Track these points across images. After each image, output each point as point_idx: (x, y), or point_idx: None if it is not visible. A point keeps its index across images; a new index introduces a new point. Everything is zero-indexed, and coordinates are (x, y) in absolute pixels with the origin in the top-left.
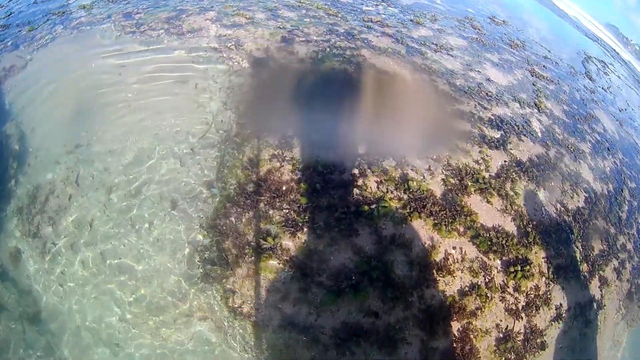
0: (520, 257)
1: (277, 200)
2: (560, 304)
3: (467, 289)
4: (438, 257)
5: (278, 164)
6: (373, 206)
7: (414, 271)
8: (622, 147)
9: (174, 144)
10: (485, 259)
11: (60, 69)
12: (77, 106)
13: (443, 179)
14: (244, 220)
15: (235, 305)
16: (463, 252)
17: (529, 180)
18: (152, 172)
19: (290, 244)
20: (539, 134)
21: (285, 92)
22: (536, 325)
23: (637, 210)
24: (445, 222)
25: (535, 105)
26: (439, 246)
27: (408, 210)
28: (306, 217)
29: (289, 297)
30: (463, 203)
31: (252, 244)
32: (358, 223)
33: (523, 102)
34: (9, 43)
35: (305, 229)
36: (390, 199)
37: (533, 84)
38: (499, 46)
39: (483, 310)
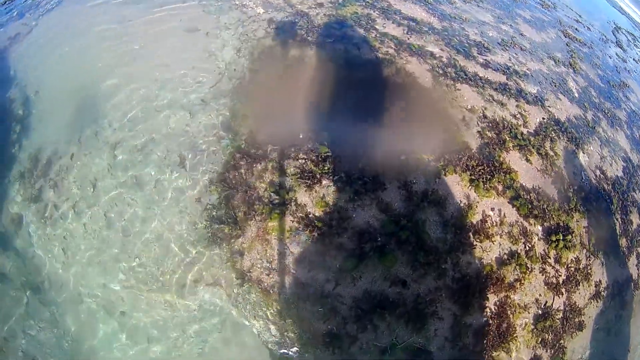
0: (561, 224)
1: (293, 149)
2: (600, 281)
3: (506, 257)
4: (475, 218)
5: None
6: (402, 157)
7: (448, 234)
8: None
9: (183, 95)
10: (525, 223)
11: (64, 30)
12: (81, 64)
13: (479, 132)
14: (255, 172)
15: (244, 269)
16: (502, 215)
17: (568, 141)
18: (160, 126)
19: (307, 198)
20: (576, 95)
21: (302, 37)
22: (575, 302)
23: None
24: (482, 178)
25: (570, 65)
26: (476, 206)
27: (442, 163)
28: (325, 168)
29: (303, 261)
30: (501, 159)
31: (264, 199)
32: (385, 175)
33: (558, 61)
34: (15, 13)
35: (324, 182)
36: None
37: (567, 45)
38: (529, 3)
39: (522, 282)
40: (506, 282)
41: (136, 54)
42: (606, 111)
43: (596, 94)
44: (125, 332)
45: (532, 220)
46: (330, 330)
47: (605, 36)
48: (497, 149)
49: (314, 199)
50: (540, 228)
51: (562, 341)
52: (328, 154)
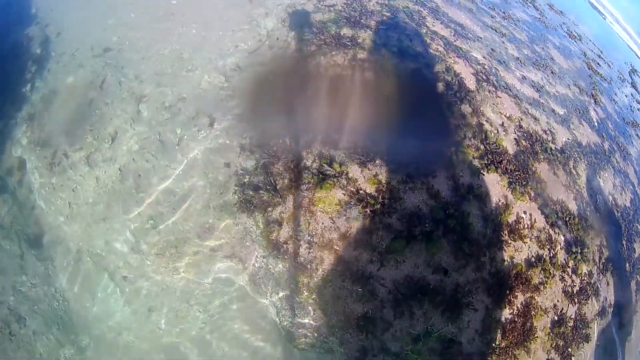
0: (579, 238)
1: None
2: (606, 298)
3: (533, 259)
4: (510, 218)
5: (346, 84)
6: (452, 149)
7: (488, 228)
8: None
9: (219, 57)
10: (551, 231)
11: None
12: (112, 9)
13: (516, 139)
14: (301, 142)
15: (281, 240)
16: (533, 219)
17: (587, 164)
18: (191, 85)
19: (359, 174)
20: (596, 124)
21: (355, 19)
22: (585, 314)
23: None
24: (519, 183)
25: (592, 96)
26: (512, 207)
27: (485, 162)
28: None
29: (350, 238)
30: (534, 168)
31: (313, 169)
32: (435, 164)
33: (582, 90)
34: None
35: (377, 161)
36: (468, 145)
37: (589, 77)
38: (558, 32)
39: (545, 286)
40: (532, 283)
41: (174, 9)
42: (620, 144)
43: (612, 126)
44: (125, 298)
45: (556, 230)
46: (365, 314)
47: (622, 75)
48: (530, 158)
49: (366, 175)
50: (562, 238)
51: (570, 349)
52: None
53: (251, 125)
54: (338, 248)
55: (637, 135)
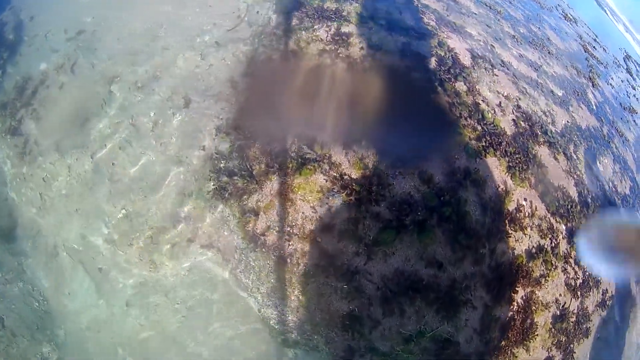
0: (581, 227)
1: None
2: (606, 290)
3: (534, 250)
4: (511, 206)
5: (328, 61)
6: (446, 129)
7: (487, 217)
8: None
9: (196, 34)
10: (553, 220)
11: None
12: None
13: (514, 120)
14: (281, 123)
15: (257, 232)
16: (533, 207)
17: (587, 149)
18: (166, 65)
19: (343, 157)
20: (594, 107)
21: None
22: (587, 308)
23: None
24: (519, 167)
25: (590, 79)
26: (512, 194)
27: (483, 144)
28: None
29: (333, 228)
30: (535, 151)
31: (292, 152)
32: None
33: (580, 72)
34: None
35: (363, 142)
36: (464, 126)
37: (586, 60)
38: (554, 13)
39: (547, 279)
40: (533, 276)
41: None
42: (618, 130)
43: (610, 111)
44: (101, 291)
45: (558, 218)
46: (351, 312)
47: (617, 61)
48: (530, 141)
49: (351, 159)
50: (564, 227)
51: (572, 345)
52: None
53: (228, 105)
54: (320, 240)
55: (635, 121)
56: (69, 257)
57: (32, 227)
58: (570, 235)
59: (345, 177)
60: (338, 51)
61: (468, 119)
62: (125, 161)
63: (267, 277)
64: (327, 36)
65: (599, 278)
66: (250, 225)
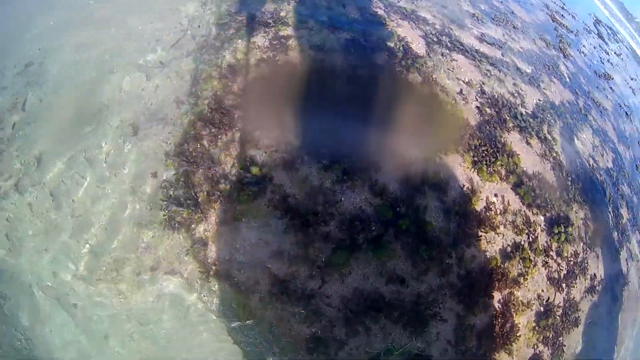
0: (562, 214)
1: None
2: (595, 274)
3: (510, 249)
4: (479, 205)
5: (267, 70)
6: (397, 132)
7: (451, 223)
8: (637, 115)
9: (140, 54)
10: (529, 213)
11: None
12: (31, 20)
13: (478, 107)
14: (219, 144)
15: (209, 261)
16: (506, 202)
17: (563, 126)
18: (112, 90)
19: (285, 177)
20: (567, 80)
21: None
22: (574, 297)
23: None
24: (486, 160)
25: (560, 49)
26: (480, 191)
27: (441, 141)
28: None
29: (283, 254)
30: (503, 140)
31: (231, 176)
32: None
33: (549, 43)
34: None
35: (305, 158)
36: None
37: (555, 29)
38: None
39: (526, 277)
40: (510, 277)
41: (93, 10)
42: (595, 100)
43: (585, 81)
44: (80, 326)
45: (535, 210)
46: (314, 334)
47: (588, 27)
48: (498, 128)
49: (294, 177)
50: (542, 218)
51: (561, 338)
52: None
53: (174, 128)
54: (271, 267)
55: (611, 88)
56: (44, 296)
57: (6, 269)
58: (551, 225)
59: (289, 198)
60: (277, 58)
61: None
62: (84, 196)
63: (229, 302)
64: (265, 42)
65: (586, 263)
66: (202, 255)
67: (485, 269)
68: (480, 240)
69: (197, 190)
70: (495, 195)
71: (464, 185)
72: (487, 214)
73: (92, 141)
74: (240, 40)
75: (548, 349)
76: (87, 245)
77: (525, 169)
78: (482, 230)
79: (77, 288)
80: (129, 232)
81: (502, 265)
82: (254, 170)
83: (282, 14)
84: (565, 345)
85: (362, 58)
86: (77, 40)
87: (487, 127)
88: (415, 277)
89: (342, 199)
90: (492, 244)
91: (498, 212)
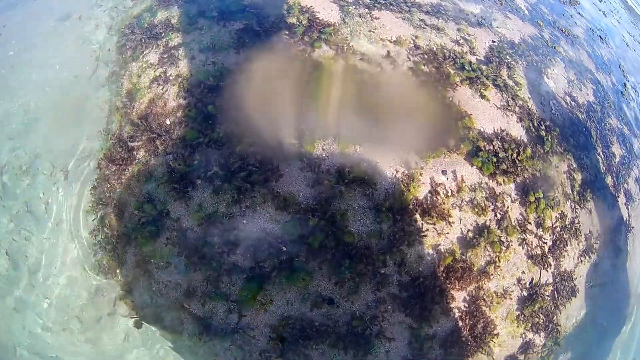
0: (538, 175)
1: (159, 141)
2: (590, 232)
3: (471, 236)
4: (420, 192)
5: (161, 89)
6: (300, 123)
7: (383, 223)
8: (612, 37)
9: (61, 95)
10: (492, 184)
11: None
12: None
13: (411, 68)
14: (123, 180)
15: (137, 306)
16: (459, 179)
17: (528, 66)
18: (42, 137)
19: (181, 209)
20: (526, 12)
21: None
22: (565, 269)
23: None
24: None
25: None
26: (420, 174)
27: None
28: (195, 162)
29: (194, 293)
30: (448, 100)
31: (134, 217)
32: (278, 156)
33: None
34: None
35: (198, 182)
36: None
37: None
38: None
39: (498, 264)
40: (475, 269)
41: (12, 61)
42: (563, 29)
43: (548, 10)
44: None
45: (500, 179)
46: None
47: None
48: (440, 87)
49: (190, 208)
50: (512, 186)
51: (555, 318)
52: (199, 140)
53: (92, 165)
54: (188, 306)
55: (579, 13)
56: (27, 353)
57: None
58: (524, 193)
59: (188, 232)
60: (167, 74)
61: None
62: (33, 249)
63: (167, 345)
64: (157, 58)
65: (577, 224)
66: (129, 301)
67: (438, 268)
68: (425, 235)
69: (111, 234)
70: (443, 172)
71: (396, 171)
72: (434, 199)
73: (31, 193)
74: (134, 62)
75: (539, 334)
76: (47, 300)
77: (482, 130)
78: (428, 221)
79: (49, 340)
80: (78, 279)
81: (463, 258)
82: (147, 208)
83: (173, 20)
84: (560, 326)
85: (256, 47)
86: (2, 92)
87: (425, 88)
88: (344, 296)
89: (244, 222)
90: (445, 235)
91: (449, 193)
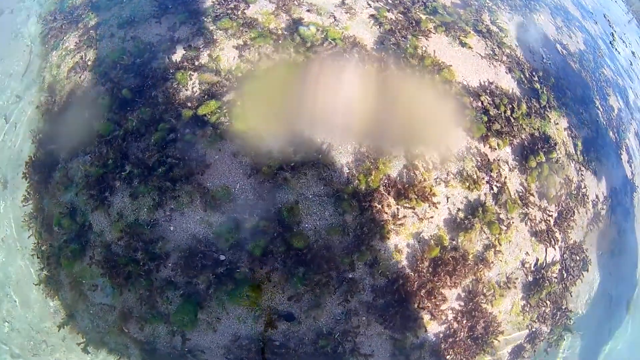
0: (537, 134)
1: (80, 144)
2: (597, 197)
3: (462, 216)
4: (393, 167)
5: (79, 77)
6: (225, 101)
7: (347, 214)
8: None
9: None
10: (484, 149)
11: None
12: None
13: (373, 15)
14: (50, 189)
15: (83, 331)
16: (442, 148)
17: (511, 10)
18: None
19: (103, 220)
20: None
21: None
22: (575, 241)
23: (632, 59)
24: None
25: None
26: (391, 144)
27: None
28: (110, 161)
29: (130, 316)
30: (421, 50)
31: (58, 236)
32: (204, 146)
33: None
34: None
35: (117, 184)
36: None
37: None
38: None
39: (498, 247)
40: (471, 257)
41: None
42: None
43: None
44: None
45: (494, 141)
46: None
47: None
48: (409, 37)
49: (112, 217)
50: (509, 150)
51: (564, 303)
52: (115, 133)
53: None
54: (127, 330)
55: None
56: None
57: None
58: (523, 157)
59: (111, 247)
60: (86, 59)
61: (272, 54)
62: None
63: None
64: (75, 43)
65: (584, 189)
66: (72, 324)
67: (421, 262)
68: (402, 223)
69: (46, 251)
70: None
71: (359, 145)
72: (411, 175)
73: None
74: (54, 51)
75: (546, 324)
76: (7, 324)
77: (465, 83)
78: (405, 205)
79: None
80: (37, 298)
81: (454, 245)
82: (65, 223)
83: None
84: (571, 312)
85: (180, 12)
86: None
87: (392, 38)
88: (305, 310)
89: (171, 228)
90: (429, 219)
91: (430, 167)
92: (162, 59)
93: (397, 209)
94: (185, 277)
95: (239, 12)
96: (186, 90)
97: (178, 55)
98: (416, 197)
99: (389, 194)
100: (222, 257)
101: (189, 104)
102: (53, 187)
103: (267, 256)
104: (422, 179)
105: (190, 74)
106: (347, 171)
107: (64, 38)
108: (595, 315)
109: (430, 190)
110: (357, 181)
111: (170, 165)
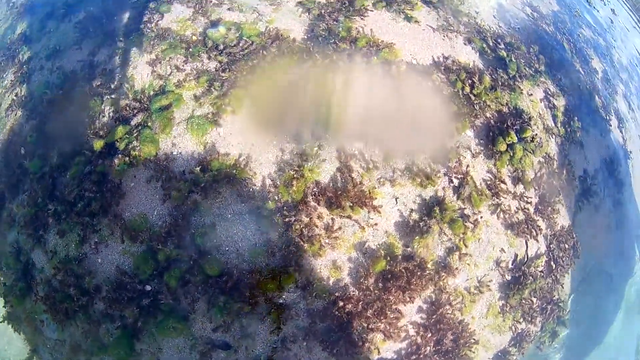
0: (506, 110)
1: (16, 178)
2: (585, 171)
3: (416, 218)
4: (324, 172)
5: (14, 115)
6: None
7: (271, 231)
8: None
9: None
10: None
11: None
12: None
13: (301, 2)
14: (1, 230)
15: None
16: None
17: None
18: None
19: (42, 256)
20: None
21: None
22: (562, 226)
23: (613, 17)
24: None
25: None
26: (318, 147)
27: (225, 97)
28: (39, 199)
29: (80, 349)
30: (355, 32)
31: (8, 274)
32: (115, 175)
33: None
34: None
35: (50, 221)
36: (181, 83)
37: None
38: None
39: (464, 249)
40: (429, 265)
41: None
42: None
43: None
44: None
45: (449, 125)
46: None
47: None
48: (340, 19)
49: (48, 256)
50: (471, 134)
51: (556, 295)
52: (43, 169)
53: None
54: None
55: None
56: None
57: None
58: (490, 138)
59: (52, 282)
60: (20, 95)
61: (183, 65)
62: None
63: None
64: (11, 79)
65: (569, 165)
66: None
67: (367, 280)
68: (336, 237)
69: (3, 292)
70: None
71: (281, 151)
72: (346, 178)
73: None
74: None
75: (536, 320)
76: None
77: (415, 61)
78: (341, 214)
79: None
80: (12, 335)
81: (409, 252)
82: (11, 262)
83: (27, 31)
84: (562, 302)
85: (103, 37)
86: None
87: (322, 24)
88: (239, 339)
89: (99, 260)
90: (373, 227)
91: (370, 166)
92: (80, 87)
93: (332, 219)
94: (116, 310)
95: (152, 25)
96: (103, 117)
97: (97, 80)
98: (350, 204)
99: (318, 203)
100: (148, 288)
101: (101, 133)
102: (1, 227)
103: (187, 286)
104: (359, 182)
105: (106, 98)
106: (269, 183)
107: (3, 75)
108: (593, 294)
109: (370, 193)
110: (280, 194)
111: (89, 199)
